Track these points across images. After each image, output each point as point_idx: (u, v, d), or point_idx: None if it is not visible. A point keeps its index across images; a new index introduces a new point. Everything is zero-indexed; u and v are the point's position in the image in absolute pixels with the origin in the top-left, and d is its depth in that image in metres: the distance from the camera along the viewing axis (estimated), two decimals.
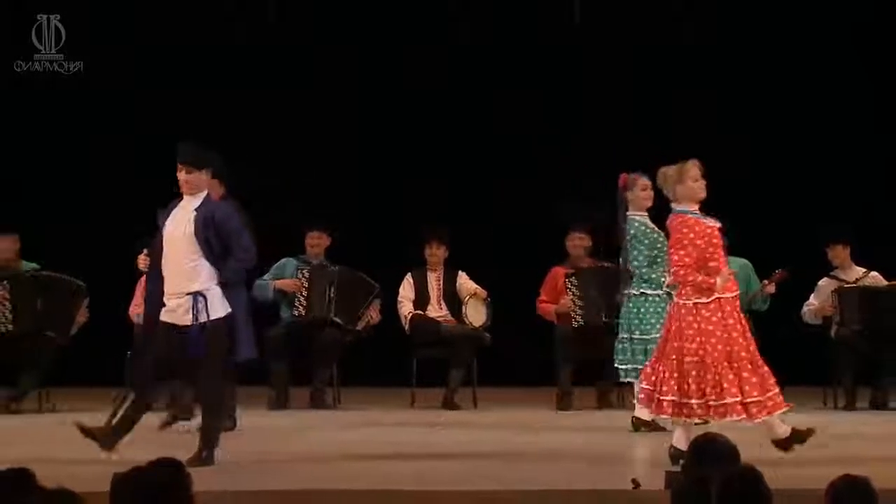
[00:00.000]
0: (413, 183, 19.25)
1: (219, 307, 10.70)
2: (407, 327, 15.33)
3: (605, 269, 15.13)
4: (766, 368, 10.62)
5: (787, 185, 19.24)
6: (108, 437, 10.65)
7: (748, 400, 10.49)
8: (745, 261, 14.97)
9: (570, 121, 19.44)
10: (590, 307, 14.99)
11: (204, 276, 10.69)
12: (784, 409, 10.69)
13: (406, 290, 15.44)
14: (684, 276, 10.51)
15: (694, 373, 10.49)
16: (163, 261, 10.86)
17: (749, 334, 10.64)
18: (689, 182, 10.61)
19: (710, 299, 10.50)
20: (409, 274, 15.64)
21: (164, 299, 10.81)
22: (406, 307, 15.34)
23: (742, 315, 10.73)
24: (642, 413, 12.40)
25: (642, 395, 10.87)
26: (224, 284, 10.71)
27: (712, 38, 19.46)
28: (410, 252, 16.98)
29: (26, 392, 15.18)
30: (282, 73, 19.59)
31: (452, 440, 12.63)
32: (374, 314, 15.44)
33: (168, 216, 10.92)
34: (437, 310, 15.33)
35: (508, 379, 15.83)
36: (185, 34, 19.51)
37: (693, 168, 10.64)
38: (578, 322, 14.92)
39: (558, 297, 15.36)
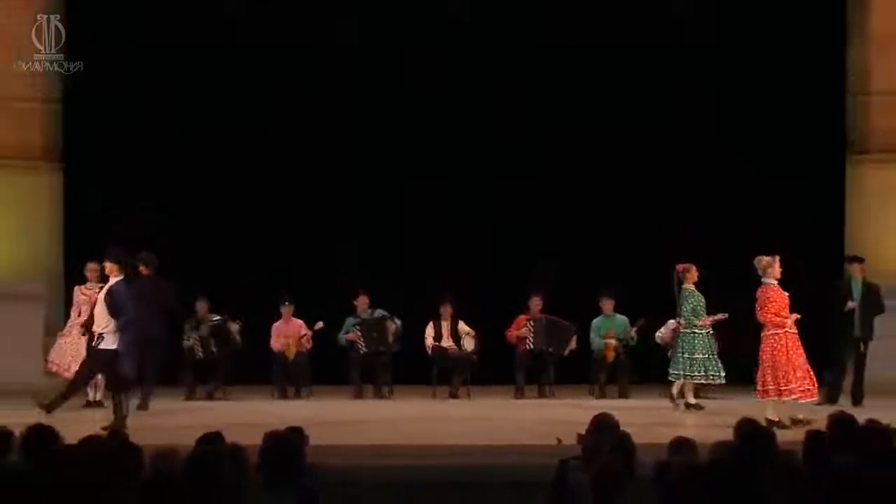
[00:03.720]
0: (413, 183, 15.08)
1: (110, 343, 10.86)
2: (429, 352, 14.68)
3: (550, 318, 14.44)
4: (810, 372, 11.24)
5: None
6: (52, 405, 10.77)
7: (805, 387, 11.13)
8: (624, 317, 14.44)
9: (569, 121, 14.99)
10: (538, 340, 14.42)
11: (104, 322, 10.88)
12: (812, 399, 11.27)
13: (429, 331, 14.60)
14: (775, 319, 11.16)
15: (770, 371, 11.14)
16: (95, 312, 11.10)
17: (801, 351, 11.23)
18: (776, 267, 11.28)
19: (781, 331, 11.17)
20: (431, 322, 14.50)
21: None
22: (429, 341, 14.63)
23: (798, 340, 11.29)
24: (690, 399, 12.78)
25: (761, 389, 11.30)
26: (118, 329, 10.85)
27: (712, 38, 14.86)
28: (408, 254, 14.95)
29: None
30: (281, 73, 14.92)
31: (456, 415, 12.45)
32: (393, 328, 14.30)
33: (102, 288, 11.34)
34: (447, 342, 14.63)
35: (488, 381, 14.41)
36: (184, 34, 14.63)
37: (776, 260, 11.29)
38: (530, 348, 14.66)
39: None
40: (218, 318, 14.02)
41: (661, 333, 14.28)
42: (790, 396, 11.02)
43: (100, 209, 14.69)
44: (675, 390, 12.81)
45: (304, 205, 15.02)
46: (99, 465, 5.08)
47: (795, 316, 11.19)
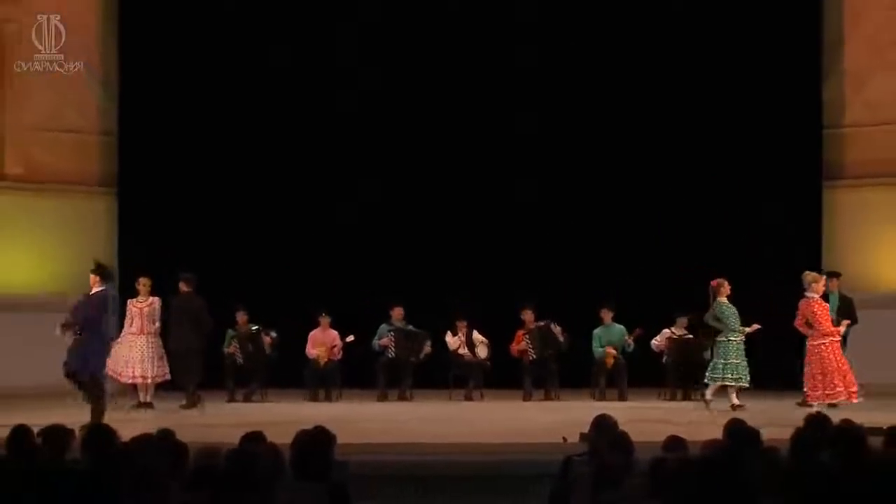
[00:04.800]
0: (421, 198, 14.74)
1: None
2: (452, 348, 14.41)
3: (543, 326, 14.24)
4: (850, 377, 11.35)
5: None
6: (95, 415, 10.38)
7: (850, 389, 11.27)
8: (621, 326, 14.35)
9: (569, 120, 14.50)
10: (538, 349, 14.34)
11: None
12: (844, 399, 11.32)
13: (450, 337, 14.81)
14: (826, 329, 11.35)
15: (820, 377, 11.30)
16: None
17: (843, 358, 11.43)
18: (821, 285, 11.56)
19: (827, 340, 11.30)
20: (449, 332, 14.58)
21: None
22: (452, 342, 14.66)
23: (840, 347, 11.52)
24: (709, 395, 12.57)
25: (810, 393, 11.43)
26: (79, 330, 10.74)
27: (711, 38, 14.37)
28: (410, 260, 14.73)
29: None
30: (281, 74, 14.44)
31: (470, 416, 12.43)
32: (427, 349, 14.62)
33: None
34: (463, 350, 15.00)
35: (499, 385, 14.36)
36: (186, 35, 13.95)
37: (822, 278, 11.51)
38: (533, 357, 14.59)
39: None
40: (256, 327, 14.13)
41: (657, 341, 14.28)
42: (837, 399, 11.22)
43: (150, 230, 14.79)
44: (709, 393, 12.67)
45: (340, 226, 15.06)
46: (149, 461, 5.06)
47: (847, 322, 11.50)
